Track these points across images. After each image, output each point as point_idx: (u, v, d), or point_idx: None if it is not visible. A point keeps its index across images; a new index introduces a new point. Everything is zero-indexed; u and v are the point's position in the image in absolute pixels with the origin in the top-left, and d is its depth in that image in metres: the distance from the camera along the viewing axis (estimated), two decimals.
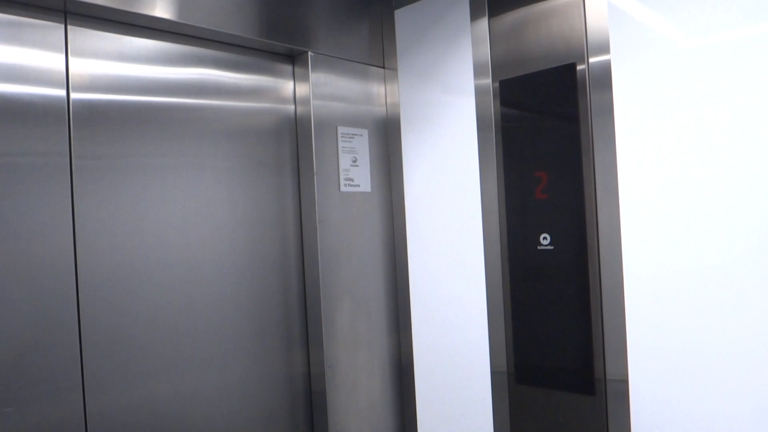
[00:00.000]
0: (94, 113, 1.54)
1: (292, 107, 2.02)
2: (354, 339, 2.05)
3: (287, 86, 2.01)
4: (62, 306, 1.47)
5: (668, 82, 1.54)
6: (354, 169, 2.07)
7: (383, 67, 2.22)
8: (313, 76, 1.98)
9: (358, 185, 2.09)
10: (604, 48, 1.65)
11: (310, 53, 1.97)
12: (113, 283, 1.56)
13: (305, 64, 1.98)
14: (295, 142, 2.02)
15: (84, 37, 1.53)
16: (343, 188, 2.04)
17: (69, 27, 1.50)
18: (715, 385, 1.48)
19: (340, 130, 2.04)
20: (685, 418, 1.53)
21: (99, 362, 1.53)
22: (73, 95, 1.50)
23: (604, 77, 1.65)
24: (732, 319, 1.45)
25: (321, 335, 1.95)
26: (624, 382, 1.62)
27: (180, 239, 1.71)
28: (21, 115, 1.42)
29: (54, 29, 1.48)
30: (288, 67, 2.01)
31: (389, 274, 2.20)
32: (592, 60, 1.68)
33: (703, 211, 1.49)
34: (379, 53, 2.22)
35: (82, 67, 1.52)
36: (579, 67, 1.70)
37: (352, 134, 2.08)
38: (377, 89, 2.20)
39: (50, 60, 1.47)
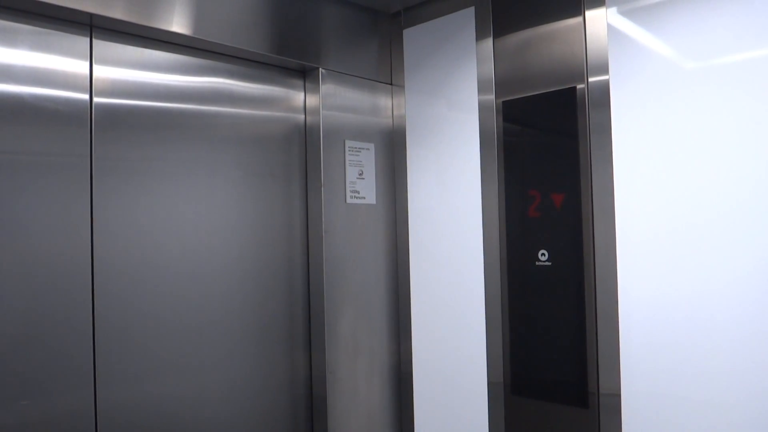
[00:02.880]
0: (114, 117, 1.60)
1: (302, 117, 2.06)
2: (355, 346, 2.09)
3: (298, 98, 2.06)
4: (78, 303, 1.51)
5: (665, 103, 1.57)
6: (360, 181, 2.12)
7: (391, 84, 2.27)
8: (324, 90, 2.03)
9: (364, 197, 2.14)
10: (603, 69, 1.68)
11: (321, 70, 2.02)
12: (127, 282, 1.61)
13: (316, 80, 2.03)
14: (304, 153, 2.06)
15: (107, 47, 1.59)
16: (349, 200, 2.08)
17: (94, 39, 1.56)
18: (707, 403, 1.50)
19: (348, 143, 2.09)
20: None
21: (110, 359, 1.56)
22: (96, 100, 1.56)
23: (602, 97, 1.68)
24: (726, 338, 1.47)
25: (323, 341, 1.99)
26: (617, 396, 1.64)
27: (191, 242, 1.75)
28: (46, 117, 1.48)
29: (80, 40, 1.54)
30: (299, 81, 2.07)
31: (391, 284, 2.23)
32: (591, 80, 1.71)
33: (699, 231, 1.51)
34: (387, 70, 2.27)
35: (104, 74, 1.58)
36: (579, 87, 1.73)
37: (359, 148, 2.13)
38: (384, 105, 2.24)
39: (76, 66, 1.53)
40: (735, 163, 1.46)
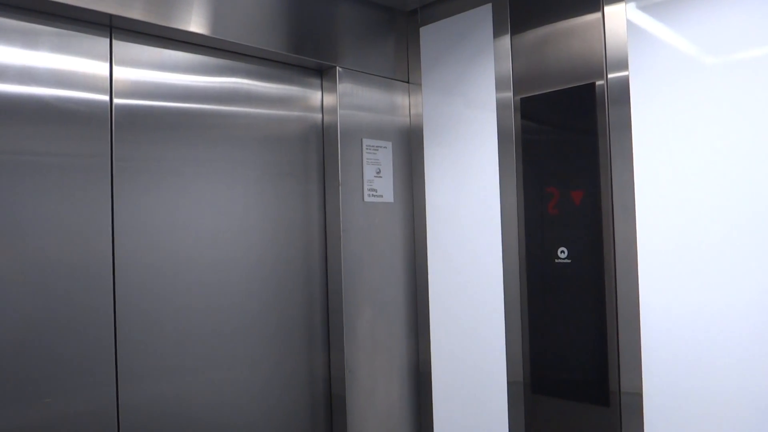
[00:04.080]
0: (134, 118, 1.61)
1: (320, 117, 2.07)
2: (374, 344, 2.09)
3: (315, 97, 2.07)
4: (99, 301, 1.53)
5: (686, 99, 1.56)
6: (377, 180, 2.12)
7: (408, 82, 2.27)
8: (341, 89, 2.03)
9: (381, 196, 2.14)
10: (623, 64, 1.67)
11: (338, 68, 2.03)
12: (148, 281, 1.62)
13: (333, 79, 2.04)
14: (322, 152, 2.07)
15: (127, 48, 1.61)
16: (366, 198, 2.09)
17: (114, 40, 1.58)
18: (732, 402, 1.48)
19: (365, 142, 2.09)
20: None
21: (132, 357, 1.58)
22: (116, 101, 1.58)
23: (622, 93, 1.67)
24: (749, 335, 1.45)
25: (342, 339, 1.99)
26: (638, 396, 1.63)
27: (210, 241, 1.76)
28: (67, 118, 1.50)
29: (100, 41, 1.56)
30: (316, 80, 2.07)
31: (409, 283, 2.23)
32: (610, 76, 1.70)
33: (720, 228, 1.50)
34: (404, 68, 2.27)
35: (124, 75, 1.60)
36: (598, 83, 1.72)
37: (377, 146, 2.13)
38: (401, 103, 2.24)
39: (96, 68, 1.55)
40: (757, 160, 1.45)
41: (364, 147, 2.09)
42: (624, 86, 1.67)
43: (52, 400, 1.44)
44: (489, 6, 2.01)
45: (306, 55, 1.94)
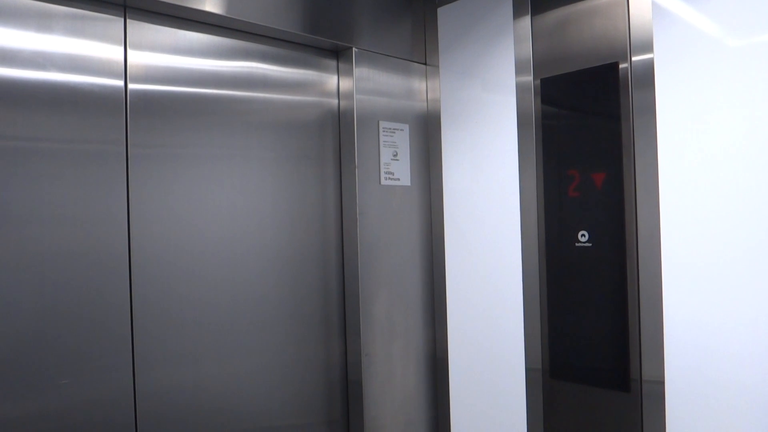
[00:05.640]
0: (149, 103, 1.60)
1: (336, 101, 2.05)
2: (390, 330, 2.08)
3: (331, 80, 2.05)
4: (115, 287, 1.53)
5: (712, 82, 1.52)
6: (394, 163, 2.10)
7: (425, 64, 2.24)
8: (357, 71, 2.01)
9: (398, 179, 2.12)
10: (648, 47, 1.63)
11: (354, 49, 2.00)
12: (164, 268, 1.62)
13: (349, 60, 2.01)
14: (338, 135, 2.05)
15: (141, 30, 1.59)
16: (383, 182, 2.07)
17: (128, 20, 1.56)
18: (756, 392, 1.46)
19: (382, 124, 2.07)
20: (724, 423, 1.51)
21: (148, 343, 1.58)
22: (131, 86, 1.56)
23: (646, 76, 1.64)
24: None
25: (358, 325, 1.99)
26: (660, 384, 1.61)
27: (226, 227, 1.75)
28: (81, 104, 1.48)
29: (114, 22, 1.54)
30: (332, 62, 2.05)
31: (426, 267, 2.21)
32: (635, 59, 1.66)
33: (746, 213, 1.47)
34: (421, 50, 2.24)
35: (139, 59, 1.58)
36: (621, 66, 1.69)
37: (393, 129, 2.10)
38: (419, 85, 2.22)
39: (110, 51, 1.53)
40: None
41: (381, 129, 2.06)
42: (649, 69, 1.63)
43: (69, 382, 1.44)
44: None
45: (322, 35, 1.91)
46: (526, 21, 1.92)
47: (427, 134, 2.23)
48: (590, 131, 1.77)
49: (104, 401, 1.50)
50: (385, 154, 2.07)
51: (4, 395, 1.36)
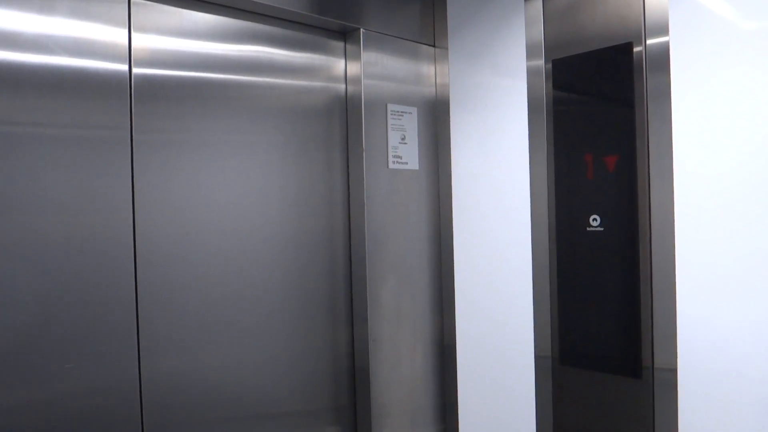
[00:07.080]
0: (154, 88, 1.58)
1: (343, 85, 2.02)
2: (398, 316, 2.07)
3: (339, 64, 2.02)
4: (120, 274, 1.51)
5: (728, 66, 1.49)
6: (402, 146, 2.08)
7: (434, 46, 2.21)
8: (365, 53, 1.98)
9: (406, 163, 2.09)
10: (663, 29, 1.60)
11: (362, 30, 1.97)
12: (169, 255, 1.61)
13: (357, 42, 1.98)
14: (345, 119, 2.03)
15: (146, 10, 1.56)
16: (391, 165, 2.05)
17: (132, 0, 1.53)
18: None
19: (390, 107, 2.04)
20: (737, 412, 1.50)
21: (153, 330, 1.57)
22: (135, 70, 1.54)
23: (661, 59, 1.60)
24: None
25: (366, 311, 1.98)
26: (672, 371, 1.59)
27: (232, 213, 1.74)
28: (84, 88, 1.45)
29: (118, 2, 1.51)
30: (340, 45, 2.02)
31: (434, 252, 2.20)
32: (649, 41, 1.63)
33: (763, 199, 1.45)
34: (430, 32, 2.20)
35: (144, 42, 1.55)
36: (636, 49, 1.66)
37: (402, 112, 2.08)
38: (427, 68, 2.19)
39: (114, 34, 1.50)
40: None
41: (389, 112, 2.04)
42: (664, 52, 1.60)
43: (75, 366, 1.43)
44: None
45: (329, 16, 1.89)
46: (537, 2, 1.89)
47: (436, 118, 2.21)
48: (602, 114, 1.75)
49: (110, 389, 1.50)
50: (393, 138, 2.05)
51: (10, 383, 1.35)
